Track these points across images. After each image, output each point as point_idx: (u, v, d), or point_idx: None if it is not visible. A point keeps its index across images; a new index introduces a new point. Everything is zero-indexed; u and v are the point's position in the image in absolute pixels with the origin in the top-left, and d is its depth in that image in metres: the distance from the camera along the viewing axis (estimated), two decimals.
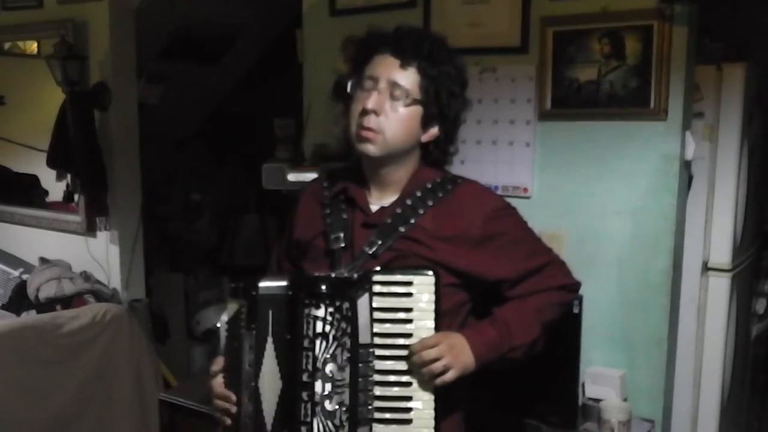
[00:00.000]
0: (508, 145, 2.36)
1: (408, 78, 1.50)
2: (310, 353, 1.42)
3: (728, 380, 2.60)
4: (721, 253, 2.50)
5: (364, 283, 1.44)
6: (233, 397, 1.49)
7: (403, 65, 1.50)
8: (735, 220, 2.51)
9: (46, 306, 3.34)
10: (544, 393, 2.15)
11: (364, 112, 1.50)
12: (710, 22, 2.26)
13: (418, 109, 1.52)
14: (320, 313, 1.43)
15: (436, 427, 1.43)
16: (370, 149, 1.52)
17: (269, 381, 1.46)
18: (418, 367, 1.41)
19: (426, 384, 1.44)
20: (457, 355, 1.43)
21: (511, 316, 1.54)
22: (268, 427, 1.46)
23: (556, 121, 2.28)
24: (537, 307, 1.57)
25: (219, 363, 1.55)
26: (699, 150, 2.28)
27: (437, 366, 1.41)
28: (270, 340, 1.47)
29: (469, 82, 1.61)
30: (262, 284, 1.48)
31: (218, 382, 1.53)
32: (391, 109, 1.50)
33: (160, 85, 4.10)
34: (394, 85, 1.50)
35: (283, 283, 1.47)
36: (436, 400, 1.44)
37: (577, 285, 1.68)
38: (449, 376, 1.42)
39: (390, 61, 1.51)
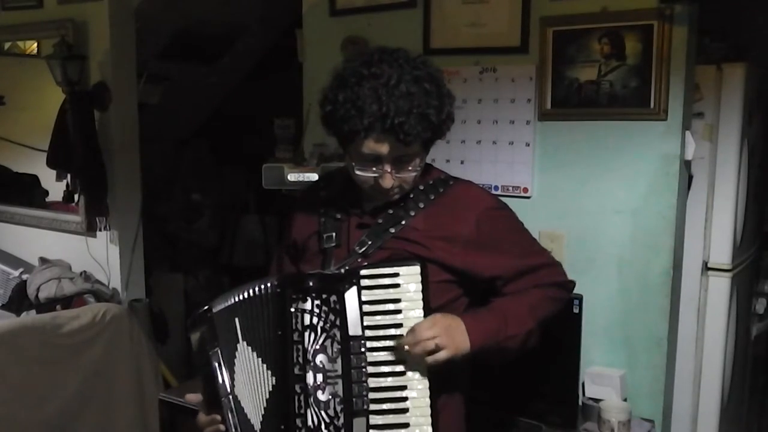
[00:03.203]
0: (508, 145, 2.36)
1: (412, 147, 1.48)
2: (300, 346, 1.43)
3: (728, 380, 2.60)
4: (721, 253, 2.50)
5: (352, 277, 1.46)
6: (218, 417, 1.50)
7: (407, 144, 1.46)
8: (735, 220, 2.51)
9: (46, 306, 3.33)
10: (544, 393, 2.15)
11: (387, 189, 1.51)
12: (710, 22, 2.26)
13: (423, 155, 1.54)
14: (307, 306, 1.44)
15: (433, 415, 1.44)
16: (394, 198, 1.56)
17: (251, 383, 1.48)
18: (411, 346, 1.42)
19: (420, 373, 1.44)
20: (452, 336, 1.44)
21: (508, 307, 1.55)
22: (257, 427, 1.47)
23: (556, 121, 2.28)
24: (532, 301, 1.58)
25: (198, 396, 1.57)
26: (699, 150, 2.28)
27: (429, 343, 1.41)
28: (242, 345, 1.48)
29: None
30: (217, 302, 1.51)
31: (201, 414, 1.55)
32: (405, 173, 1.51)
33: (160, 85, 4.10)
34: (400, 158, 1.49)
35: (252, 289, 1.48)
36: (431, 388, 1.45)
37: (571, 284, 1.69)
38: (441, 355, 1.42)
39: (392, 144, 1.46)
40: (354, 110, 1.43)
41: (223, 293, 1.54)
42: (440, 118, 1.47)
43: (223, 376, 1.49)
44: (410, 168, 1.50)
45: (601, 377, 2.20)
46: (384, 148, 1.46)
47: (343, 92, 1.45)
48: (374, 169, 1.49)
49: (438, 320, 1.44)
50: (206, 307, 1.52)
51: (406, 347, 1.42)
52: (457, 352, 1.45)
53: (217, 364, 1.50)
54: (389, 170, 1.48)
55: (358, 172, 1.51)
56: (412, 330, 1.42)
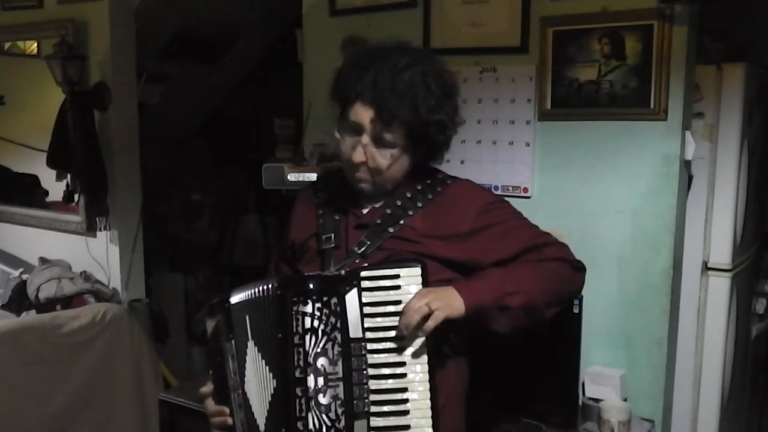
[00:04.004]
0: (508, 145, 2.36)
1: (393, 132, 1.49)
2: (301, 349, 1.43)
3: (728, 380, 2.60)
4: (721, 253, 2.50)
5: (352, 279, 1.45)
6: (227, 410, 1.51)
7: (387, 124, 1.48)
8: (735, 220, 2.51)
9: (46, 306, 3.34)
10: (544, 393, 2.15)
11: (355, 164, 1.52)
12: (710, 22, 2.26)
13: (405, 152, 1.53)
14: (308, 309, 1.44)
15: (434, 417, 1.44)
16: (364, 187, 1.56)
17: (257, 383, 1.48)
18: (404, 324, 1.41)
19: (421, 374, 1.44)
20: (443, 298, 1.42)
21: (503, 270, 1.53)
22: (261, 428, 1.47)
23: (556, 121, 2.28)
24: (535, 268, 1.55)
25: (208, 386, 1.57)
26: (699, 150, 2.28)
27: (423, 308, 1.39)
28: (251, 343, 1.49)
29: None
30: (234, 294, 1.51)
31: (210, 402, 1.56)
32: (379, 155, 1.51)
33: (160, 85, 4.10)
34: (379, 137, 1.50)
35: (258, 288, 1.49)
36: (432, 390, 1.44)
37: (579, 263, 1.65)
38: (438, 315, 1.40)
39: (374, 118, 1.48)
40: (354, 77, 1.49)
41: (234, 288, 1.54)
42: (429, 118, 1.48)
43: (234, 371, 1.50)
44: (386, 153, 1.50)
45: (601, 377, 2.20)
46: (366, 117, 1.48)
47: (353, 65, 1.52)
48: (353, 138, 1.51)
49: (425, 291, 1.43)
50: (222, 298, 1.52)
51: (405, 330, 1.41)
52: (451, 312, 1.42)
53: (230, 357, 1.50)
54: (365, 142, 1.49)
55: (336, 135, 1.54)
56: (404, 311, 1.42)
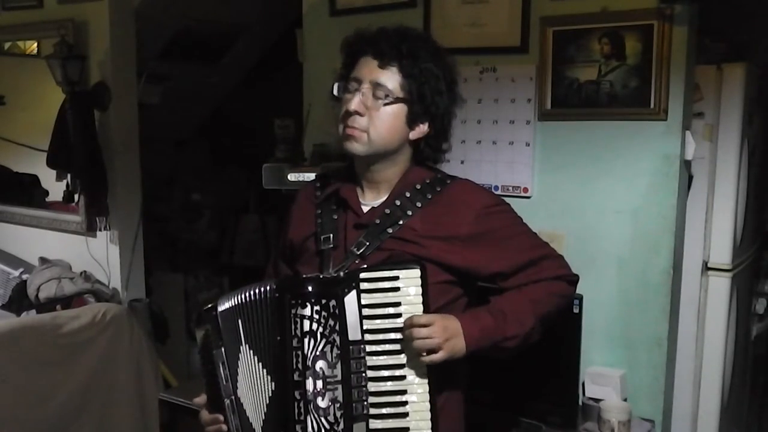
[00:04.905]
0: (508, 145, 2.36)
1: (389, 78, 1.52)
2: (299, 352, 1.43)
3: (728, 380, 2.60)
4: (721, 253, 2.50)
5: (351, 281, 1.45)
6: (221, 418, 1.51)
7: (383, 65, 1.52)
8: (735, 220, 2.51)
9: (46, 306, 3.34)
10: (544, 393, 2.15)
11: (348, 113, 1.53)
12: (710, 22, 2.26)
13: (401, 108, 1.53)
14: (306, 312, 1.44)
15: (433, 419, 1.44)
16: (356, 147, 1.54)
17: (253, 387, 1.48)
18: (408, 343, 1.42)
19: (420, 376, 1.44)
20: (448, 338, 1.43)
21: (508, 306, 1.54)
22: (258, 431, 1.47)
23: (556, 121, 2.28)
24: (533, 297, 1.56)
25: (202, 396, 1.58)
26: (699, 150, 2.28)
27: (426, 343, 1.41)
28: (245, 348, 1.48)
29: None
30: (222, 301, 1.52)
31: (204, 413, 1.56)
32: (374, 108, 1.52)
33: (160, 85, 4.11)
34: (376, 85, 1.52)
35: (254, 291, 1.49)
36: (431, 393, 1.44)
37: (575, 277, 1.67)
38: (438, 356, 1.42)
39: (371, 63, 1.53)
40: (361, 37, 1.57)
41: (225, 293, 1.54)
42: (425, 64, 1.52)
43: (226, 377, 1.49)
44: (379, 102, 1.51)
45: (601, 377, 2.20)
46: (366, 67, 1.53)
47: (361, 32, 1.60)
48: (352, 93, 1.53)
49: (435, 320, 1.43)
50: (210, 306, 1.52)
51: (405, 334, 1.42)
52: (453, 354, 1.44)
53: (220, 364, 1.49)
54: (364, 89, 1.52)
55: (336, 92, 1.57)
56: (409, 320, 1.42)
